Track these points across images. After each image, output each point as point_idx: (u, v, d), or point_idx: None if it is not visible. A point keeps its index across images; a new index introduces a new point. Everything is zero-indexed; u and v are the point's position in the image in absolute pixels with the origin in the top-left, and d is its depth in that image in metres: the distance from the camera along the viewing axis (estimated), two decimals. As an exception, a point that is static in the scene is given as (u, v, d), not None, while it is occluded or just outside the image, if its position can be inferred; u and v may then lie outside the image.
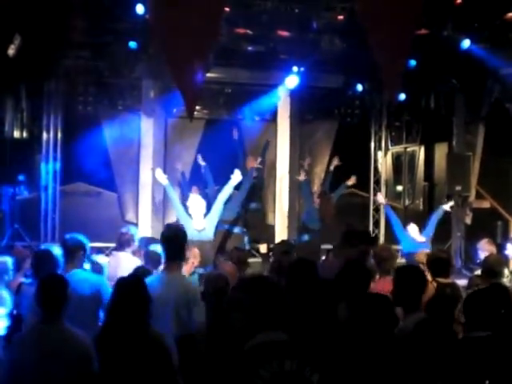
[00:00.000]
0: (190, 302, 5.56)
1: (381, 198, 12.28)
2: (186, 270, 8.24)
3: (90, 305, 5.90)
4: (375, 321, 4.32)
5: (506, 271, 7.77)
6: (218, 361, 4.25)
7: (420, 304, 5.12)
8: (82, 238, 6.42)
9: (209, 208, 10.22)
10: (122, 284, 4.93)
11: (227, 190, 10.29)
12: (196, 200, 10.17)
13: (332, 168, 13.28)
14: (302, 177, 12.34)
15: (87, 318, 5.46)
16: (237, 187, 10.86)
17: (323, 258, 11.27)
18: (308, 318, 4.43)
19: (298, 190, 13.76)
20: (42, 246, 7.47)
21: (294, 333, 3.48)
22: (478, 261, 9.08)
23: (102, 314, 5.81)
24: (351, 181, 12.95)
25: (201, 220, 9.90)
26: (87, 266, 6.65)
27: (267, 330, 3.30)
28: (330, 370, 3.36)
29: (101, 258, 7.82)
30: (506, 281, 7.51)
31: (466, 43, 11.17)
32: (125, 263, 7.97)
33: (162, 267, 6.43)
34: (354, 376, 3.97)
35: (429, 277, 7.05)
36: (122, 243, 8.41)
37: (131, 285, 4.90)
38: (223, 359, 3.78)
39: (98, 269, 7.24)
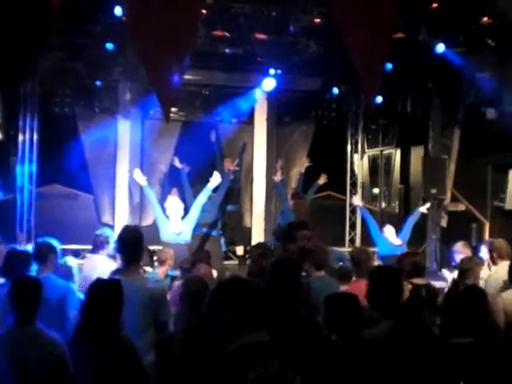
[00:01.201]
0: (154, 303, 5.50)
1: (357, 200, 12.32)
2: (161, 271, 8.25)
3: (56, 311, 5.84)
4: (343, 321, 4.37)
5: (482, 273, 7.85)
6: (199, 364, 4.25)
7: (396, 309, 4.98)
8: (53, 241, 6.39)
9: (186, 210, 10.21)
10: (99, 286, 4.91)
11: (205, 192, 10.27)
12: (174, 202, 10.15)
13: (303, 170, 13.35)
14: (278, 177, 12.37)
15: (53, 324, 5.37)
16: (214, 190, 10.86)
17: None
18: (289, 319, 4.44)
19: (274, 192, 13.79)
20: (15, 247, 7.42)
21: (275, 334, 3.50)
22: (454, 263, 9.14)
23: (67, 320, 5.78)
24: (322, 179, 12.96)
25: (178, 222, 9.88)
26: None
27: (250, 331, 3.32)
28: (311, 371, 3.38)
29: (71, 260, 7.74)
30: (481, 283, 7.59)
31: (441, 47, 11.24)
32: (100, 266, 7.94)
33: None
34: (332, 378, 3.99)
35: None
36: (97, 245, 8.37)
37: (109, 287, 4.88)
38: (205, 362, 3.77)
39: (67, 270, 7.19)
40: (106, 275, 5.82)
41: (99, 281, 5.01)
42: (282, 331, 4.06)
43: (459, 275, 7.23)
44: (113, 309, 4.75)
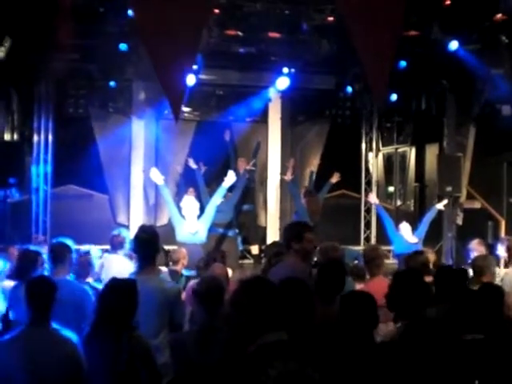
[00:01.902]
0: (169, 303, 5.50)
1: (373, 198, 12.28)
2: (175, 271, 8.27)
3: (72, 314, 5.83)
4: (357, 320, 4.37)
5: (498, 270, 7.81)
6: (214, 364, 4.25)
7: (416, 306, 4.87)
8: (68, 241, 6.39)
9: (201, 210, 10.22)
10: (115, 285, 4.92)
11: (220, 192, 10.28)
12: (190, 202, 10.16)
13: (313, 169, 13.39)
14: (288, 176, 12.37)
15: (69, 327, 5.36)
16: (230, 189, 10.86)
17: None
18: (307, 318, 4.44)
19: (288, 190, 13.77)
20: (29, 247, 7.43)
21: (294, 333, 3.50)
22: (469, 261, 9.11)
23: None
24: (335, 177, 12.96)
25: (194, 222, 9.89)
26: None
27: (270, 331, 3.33)
28: (329, 370, 3.38)
29: (94, 250, 7.72)
30: (497, 280, 7.55)
31: (454, 45, 11.21)
32: (117, 266, 7.95)
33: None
34: (349, 376, 3.98)
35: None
36: (115, 246, 8.40)
37: (124, 287, 4.89)
38: (220, 362, 3.79)
39: (85, 263, 7.19)
40: (123, 275, 5.82)
41: (114, 280, 5.02)
42: (301, 330, 4.06)
43: (474, 273, 7.18)
44: (127, 308, 4.76)
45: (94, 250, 7.76)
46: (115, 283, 4.96)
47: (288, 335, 3.37)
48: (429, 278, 6.86)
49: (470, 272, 8.55)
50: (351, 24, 7.59)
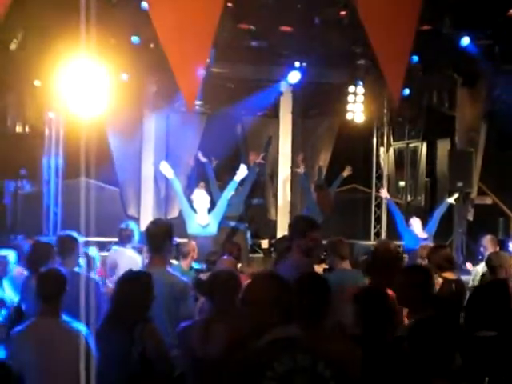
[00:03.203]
0: (178, 296, 5.51)
1: (384, 192, 12.26)
2: (185, 264, 8.27)
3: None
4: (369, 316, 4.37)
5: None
6: (220, 357, 4.26)
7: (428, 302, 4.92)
8: (75, 234, 6.41)
9: (212, 204, 10.23)
10: (132, 278, 4.96)
11: (232, 186, 10.30)
12: (201, 195, 10.18)
13: (322, 163, 13.37)
14: (301, 169, 12.39)
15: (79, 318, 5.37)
16: (240, 183, 10.87)
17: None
18: (321, 314, 4.43)
19: (299, 184, 13.77)
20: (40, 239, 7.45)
21: (307, 328, 3.50)
22: (480, 257, 9.09)
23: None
24: (346, 171, 12.98)
25: (205, 215, 9.90)
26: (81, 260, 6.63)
27: (281, 325, 3.32)
28: (342, 366, 3.38)
29: (92, 251, 7.75)
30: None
31: (466, 40, 11.18)
32: (126, 258, 7.98)
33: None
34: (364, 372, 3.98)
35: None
36: (123, 239, 8.41)
37: (141, 279, 4.93)
38: (234, 355, 3.79)
39: (88, 261, 7.21)
40: (132, 267, 5.84)
41: (130, 272, 5.06)
42: (313, 325, 4.06)
43: (489, 272, 7.13)
44: (142, 301, 4.79)
45: (93, 251, 7.74)
46: (131, 275, 4.99)
47: (301, 330, 3.37)
48: (451, 275, 6.84)
49: (479, 268, 8.58)
50: (367, 20, 7.57)
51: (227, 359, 3.94)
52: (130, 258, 7.87)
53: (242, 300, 3.60)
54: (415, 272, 5.15)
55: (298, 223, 6.28)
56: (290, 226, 6.35)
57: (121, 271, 5.88)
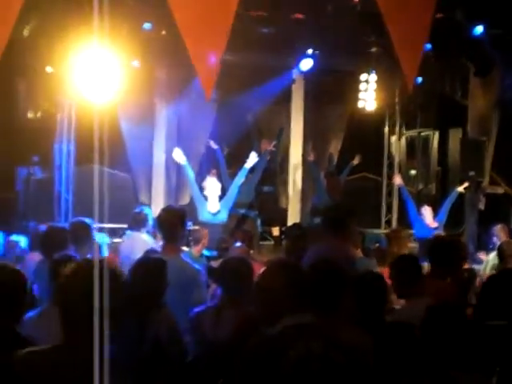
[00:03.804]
0: (190, 284, 5.53)
1: (398, 179, 12.18)
2: (196, 251, 8.29)
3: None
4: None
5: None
6: (237, 341, 4.28)
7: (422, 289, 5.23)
8: (88, 220, 6.41)
9: (223, 191, 10.24)
10: (147, 263, 5.00)
11: (242, 173, 10.31)
12: (213, 183, 10.19)
13: (332, 151, 13.37)
14: (311, 157, 12.42)
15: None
16: (251, 171, 10.88)
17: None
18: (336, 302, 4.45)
19: (309, 172, 13.77)
20: (53, 224, 7.45)
21: (322, 315, 3.50)
22: (492, 246, 9.08)
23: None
24: (357, 159, 12.99)
25: (216, 203, 9.91)
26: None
27: (296, 312, 3.33)
28: (356, 354, 3.38)
29: (100, 237, 7.71)
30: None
31: (479, 29, 11.13)
32: (140, 243, 7.94)
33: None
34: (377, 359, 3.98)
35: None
36: (138, 223, 8.36)
37: (156, 265, 4.95)
38: (244, 340, 3.80)
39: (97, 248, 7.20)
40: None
41: (146, 258, 5.09)
42: (328, 313, 4.07)
43: (501, 261, 7.12)
44: (157, 287, 4.84)
45: (101, 237, 7.71)
46: (146, 261, 5.02)
47: (315, 318, 3.37)
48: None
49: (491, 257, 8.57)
50: (385, 6, 7.56)
51: (236, 344, 3.95)
52: (145, 243, 7.83)
53: (256, 286, 3.61)
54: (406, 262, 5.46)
55: (339, 211, 6.32)
56: (327, 214, 6.35)
57: (136, 256, 5.88)
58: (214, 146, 12.24)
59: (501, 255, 7.14)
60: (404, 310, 5.20)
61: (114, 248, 8.59)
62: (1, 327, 3.53)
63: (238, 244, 7.58)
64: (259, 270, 3.70)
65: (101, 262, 2.39)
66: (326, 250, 5.72)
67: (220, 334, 4.71)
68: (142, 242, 7.98)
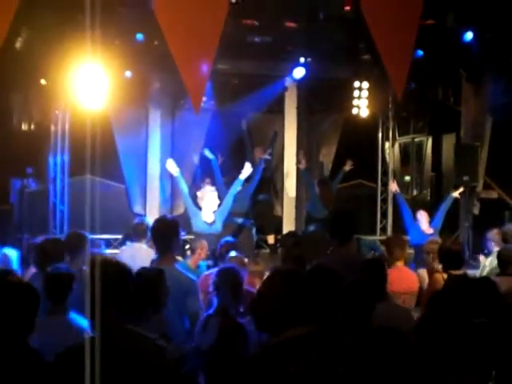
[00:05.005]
0: (184, 293, 5.55)
1: (394, 186, 12.16)
2: (192, 261, 8.25)
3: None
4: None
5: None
6: (238, 356, 4.31)
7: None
8: (84, 232, 6.38)
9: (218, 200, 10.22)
10: (145, 275, 5.02)
11: (237, 184, 10.29)
12: (209, 192, 10.14)
13: (322, 159, 13.40)
14: (302, 165, 12.43)
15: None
16: (246, 179, 10.86)
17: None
18: (333, 311, 4.46)
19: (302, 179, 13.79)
20: (48, 236, 7.41)
21: (319, 325, 3.50)
22: (487, 251, 9.08)
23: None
24: (348, 166, 13.00)
25: (211, 213, 9.87)
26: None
27: (296, 323, 3.32)
28: (354, 362, 3.38)
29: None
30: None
31: (469, 35, 11.18)
32: (141, 254, 7.87)
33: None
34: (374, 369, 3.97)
35: (440, 268, 7.11)
36: (138, 234, 8.26)
37: (154, 277, 5.02)
38: (218, 347, 3.83)
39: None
40: (147, 263, 5.89)
41: (145, 270, 5.12)
42: (325, 323, 4.06)
43: (499, 265, 7.09)
44: (157, 298, 4.90)
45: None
46: (145, 273, 5.04)
47: (314, 328, 3.37)
48: (457, 271, 6.84)
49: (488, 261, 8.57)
50: (370, 15, 7.59)
51: (220, 350, 3.94)
52: (148, 254, 7.74)
53: (258, 294, 3.61)
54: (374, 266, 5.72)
55: (347, 221, 6.40)
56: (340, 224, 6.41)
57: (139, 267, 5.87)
58: (209, 155, 12.22)
59: (500, 261, 7.10)
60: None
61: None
62: (14, 340, 3.54)
63: (233, 253, 7.56)
64: (253, 278, 3.71)
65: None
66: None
67: (205, 338, 4.83)
68: (145, 253, 7.92)
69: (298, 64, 12.92)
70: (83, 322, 4.76)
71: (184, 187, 10.07)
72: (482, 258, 9.54)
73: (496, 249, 8.45)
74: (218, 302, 5.23)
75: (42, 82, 12.34)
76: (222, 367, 4.47)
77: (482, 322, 4.32)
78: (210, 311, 5.29)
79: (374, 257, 8.72)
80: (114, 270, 3.64)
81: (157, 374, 3.58)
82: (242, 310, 5.28)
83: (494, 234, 8.98)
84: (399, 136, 16.24)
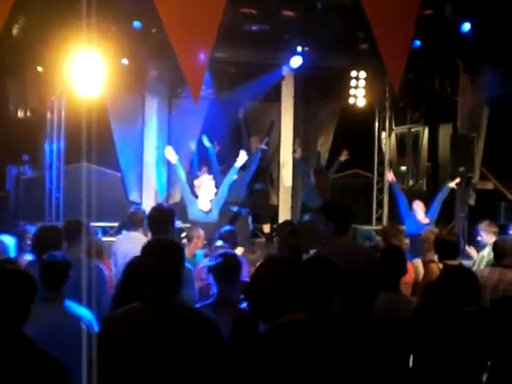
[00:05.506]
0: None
1: (390, 176, 12.16)
2: (188, 250, 8.23)
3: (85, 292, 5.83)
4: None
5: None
6: (235, 341, 4.29)
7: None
8: (82, 219, 6.36)
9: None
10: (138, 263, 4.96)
11: (233, 172, 10.29)
12: (205, 181, 10.14)
13: (319, 148, 13.42)
14: (297, 154, 12.44)
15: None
16: (242, 168, 10.86)
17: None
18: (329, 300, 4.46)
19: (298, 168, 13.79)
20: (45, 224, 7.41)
21: (317, 313, 3.51)
22: (478, 243, 9.07)
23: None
24: (344, 155, 13.00)
25: (208, 201, 9.88)
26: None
27: (291, 310, 3.33)
28: (349, 350, 3.38)
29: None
30: None
31: (467, 26, 11.16)
32: (138, 243, 7.82)
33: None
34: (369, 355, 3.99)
35: (435, 258, 7.12)
36: (134, 223, 8.19)
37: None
38: (242, 340, 3.82)
39: (98, 248, 7.16)
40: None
41: (138, 258, 5.08)
42: (323, 310, 4.07)
43: (496, 258, 7.08)
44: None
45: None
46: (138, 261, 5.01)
47: (310, 315, 3.38)
48: (453, 261, 6.85)
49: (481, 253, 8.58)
50: (369, 5, 7.57)
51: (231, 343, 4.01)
52: (142, 243, 7.65)
53: (252, 281, 3.61)
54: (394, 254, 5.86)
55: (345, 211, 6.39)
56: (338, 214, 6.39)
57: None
58: (206, 143, 12.22)
59: (496, 252, 7.08)
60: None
61: (106, 247, 8.50)
62: (9, 329, 3.53)
63: (219, 243, 7.52)
64: (249, 267, 3.72)
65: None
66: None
67: None
68: (140, 241, 7.85)
69: (296, 53, 12.90)
70: (79, 309, 4.77)
71: (182, 175, 10.07)
72: (471, 250, 9.49)
73: (488, 240, 8.47)
74: (221, 290, 5.15)
75: (39, 68, 12.30)
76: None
77: (475, 311, 4.33)
78: (212, 299, 5.24)
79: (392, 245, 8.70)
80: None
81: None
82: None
83: (485, 225, 8.97)
84: (396, 126, 16.24)
